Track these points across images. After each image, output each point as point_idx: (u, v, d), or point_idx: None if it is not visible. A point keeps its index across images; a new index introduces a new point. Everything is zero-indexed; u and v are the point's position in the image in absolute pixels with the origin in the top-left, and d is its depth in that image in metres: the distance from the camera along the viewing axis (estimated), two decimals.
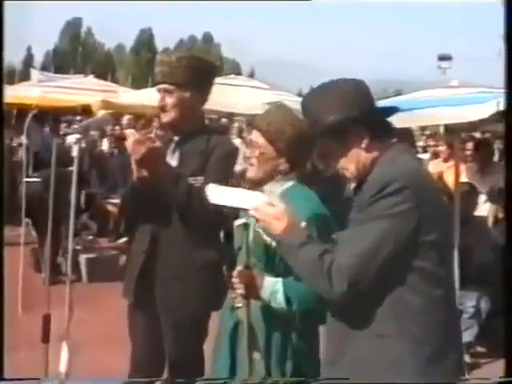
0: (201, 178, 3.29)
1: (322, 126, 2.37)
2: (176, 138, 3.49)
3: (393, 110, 2.49)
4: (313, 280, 2.29)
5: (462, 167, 7.02)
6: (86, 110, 3.25)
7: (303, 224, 2.44)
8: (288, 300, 2.73)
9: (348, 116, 2.33)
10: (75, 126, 3.31)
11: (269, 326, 2.82)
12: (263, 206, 2.36)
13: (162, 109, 3.43)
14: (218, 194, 2.58)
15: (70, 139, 7.94)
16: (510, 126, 3.04)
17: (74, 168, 3.24)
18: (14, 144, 12.77)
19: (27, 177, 8.63)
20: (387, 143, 2.38)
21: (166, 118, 3.44)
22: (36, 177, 8.03)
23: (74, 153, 3.21)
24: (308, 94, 2.52)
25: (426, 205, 2.23)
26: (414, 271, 2.23)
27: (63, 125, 15.40)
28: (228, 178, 3.39)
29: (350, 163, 2.39)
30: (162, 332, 3.52)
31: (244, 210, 2.52)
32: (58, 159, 3.29)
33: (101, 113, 3.69)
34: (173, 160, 3.45)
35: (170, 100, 3.41)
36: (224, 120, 11.53)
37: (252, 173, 2.94)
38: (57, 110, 8.65)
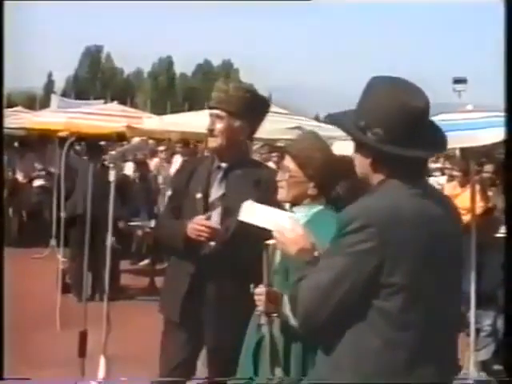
0: None
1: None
2: (224, 166, 3.58)
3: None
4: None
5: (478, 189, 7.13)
6: (121, 137, 3.41)
7: (316, 252, 2.45)
8: None
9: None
10: (113, 152, 3.43)
11: (288, 342, 2.91)
12: (285, 230, 2.45)
13: (211, 133, 3.53)
14: (250, 212, 2.71)
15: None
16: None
17: (111, 192, 3.38)
18: (38, 170, 13.00)
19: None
20: (393, 170, 2.27)
21: (213, 143, 3.54)
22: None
23: (111, 177, 3.36)
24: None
25: (393, 246, 2.14)
26: (376, 312, 2.17)
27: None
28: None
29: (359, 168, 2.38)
30: (196, 351, 3.63)
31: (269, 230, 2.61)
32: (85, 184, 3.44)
33: (136, 139, 3.85)
34: (220, 188, 3.56)
35: (219, 126, 3.50)
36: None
37: (282, 195, 3.10)
38: (90, 136, 8.86)
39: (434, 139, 2.30)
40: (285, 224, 2.50)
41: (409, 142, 2.20)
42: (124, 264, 9.73)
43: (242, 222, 3.37)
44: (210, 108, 3.58)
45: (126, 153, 3.60)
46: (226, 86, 3.55)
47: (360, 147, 2.33)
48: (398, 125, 2.20)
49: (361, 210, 2.20)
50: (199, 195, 3.55)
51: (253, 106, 3.54)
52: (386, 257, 2.13)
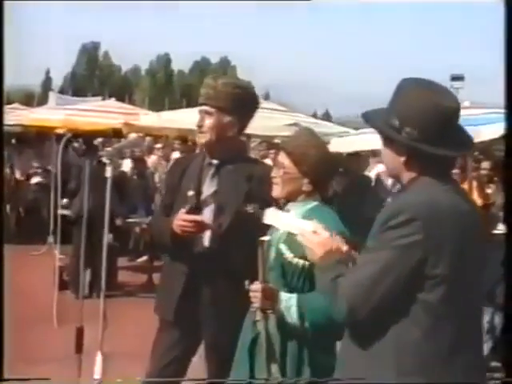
0: (256, 206, 3.18)
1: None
2: (215, 162, 3.58)
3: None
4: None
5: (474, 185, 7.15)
6: (117, 133, 3.40)
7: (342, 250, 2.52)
8: (301, 316, 2.86)
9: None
10: (109, 149, 3.40)
11: (284, 339, 2.94)
12: (309, 233, 2.50)
13: (200, 129, 3.53)
14: (274, 217, 2.75)
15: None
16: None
17: (107, 188, 3.37)
18: (36, 167, 13.00)
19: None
20: (425, 168, 2.36)
21: (202, 139, 3.55)
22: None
23: (108, 174, 3.35)
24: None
25: (436, 238, 2.22)
26: (418, 304, 2.24)
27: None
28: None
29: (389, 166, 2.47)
30: (189, 351, 3.63)
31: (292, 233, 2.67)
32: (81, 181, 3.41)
33: (132, 136, 3.83)
34: (212, 184, 3.55)
35: (208, 121, 3.51)
36: None
37: (276, 191, 3.12)
38: (87, 132, 8.88)
39: (462, 138, 2.42)
40: (307, 227, 2.55)
41: (441, 141, 2.30)
42: (122, 261, 9.75)
43: (235, 219, 3.40)
44: (200, 104, 3.58)
45: (122, 149, 3.58)
46: (215, 82, 3.55)
47: (391, 145, 2.40)
48: (432, 124, 2.30)
49: (405, 205, 2.27)
50: (191, 192, 3.53)
51: (242, 102, 3.53)
52: (430, 249, 2.21)
